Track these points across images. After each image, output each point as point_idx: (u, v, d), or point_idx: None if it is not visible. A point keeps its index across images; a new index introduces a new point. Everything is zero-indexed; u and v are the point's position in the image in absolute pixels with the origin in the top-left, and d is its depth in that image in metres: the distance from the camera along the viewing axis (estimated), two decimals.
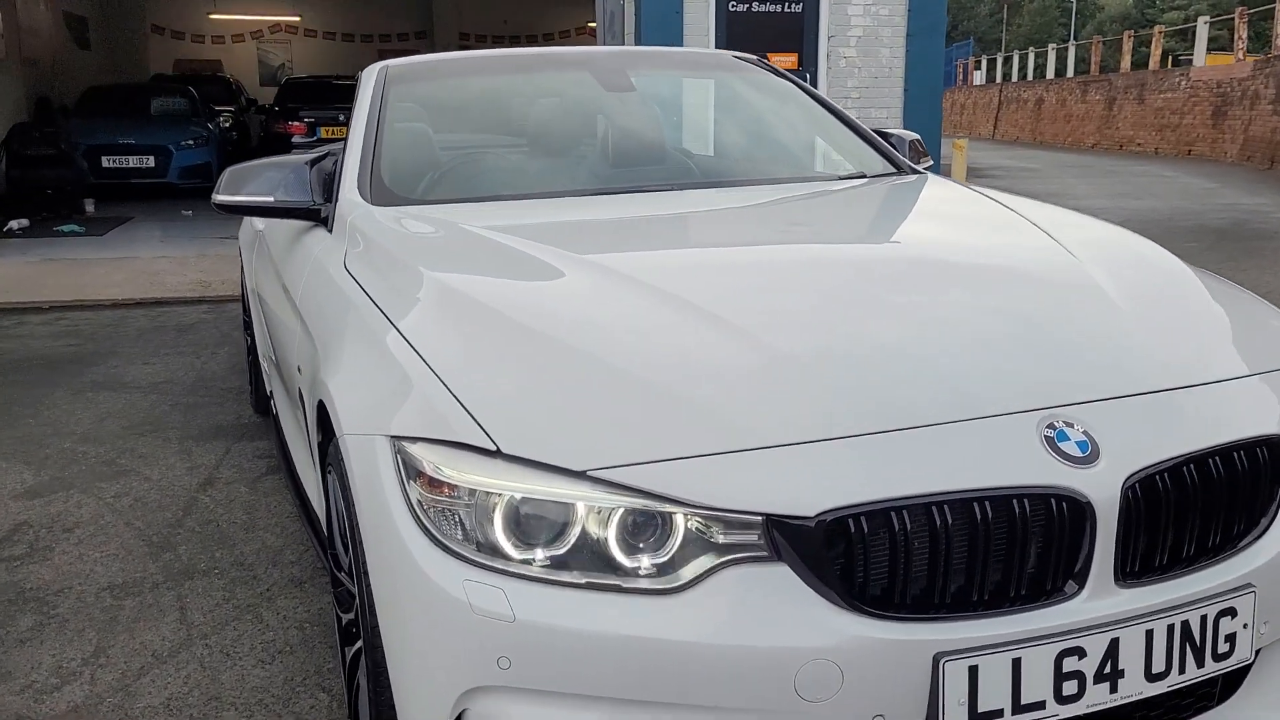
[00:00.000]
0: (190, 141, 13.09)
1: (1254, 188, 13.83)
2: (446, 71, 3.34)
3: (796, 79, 3.44)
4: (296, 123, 13.81)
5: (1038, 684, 1.51)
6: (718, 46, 8.82)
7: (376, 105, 2.93)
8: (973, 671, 1.48)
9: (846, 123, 3.29)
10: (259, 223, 3.66)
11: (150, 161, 12.60)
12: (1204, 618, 1.60)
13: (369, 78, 3.10)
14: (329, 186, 2.77)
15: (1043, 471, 1.53)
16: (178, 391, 4.98)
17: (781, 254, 2.33)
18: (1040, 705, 1.52)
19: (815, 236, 2.49)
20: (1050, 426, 1.59)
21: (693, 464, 1.52)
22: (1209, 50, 24.94)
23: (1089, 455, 1.56)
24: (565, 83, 3.33)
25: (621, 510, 1.52)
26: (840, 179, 2.99)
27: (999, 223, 2.50)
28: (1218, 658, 1.63)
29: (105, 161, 12.51)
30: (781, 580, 1.49)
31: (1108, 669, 1.55)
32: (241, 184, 2.76)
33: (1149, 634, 1.56)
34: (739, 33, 8.87)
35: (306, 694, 2.42)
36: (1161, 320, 1.92)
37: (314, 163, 2.81)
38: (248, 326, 4.73)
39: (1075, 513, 1.53)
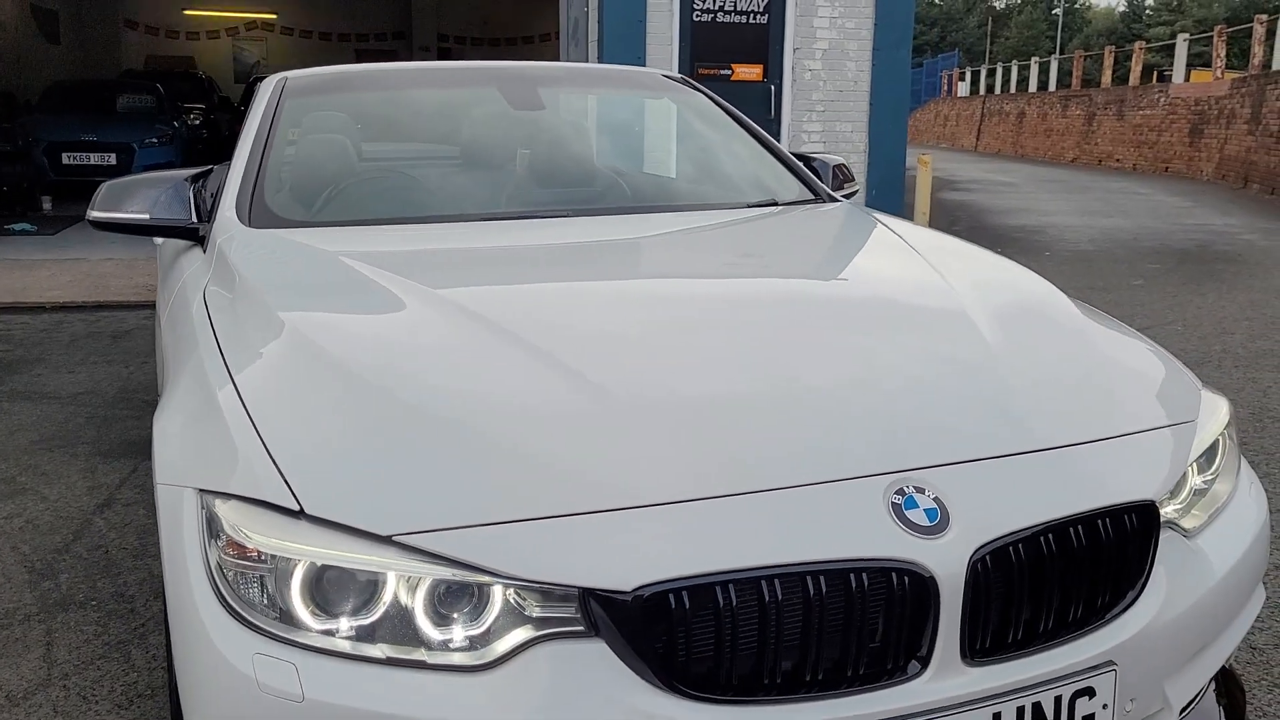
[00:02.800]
0: (154, 139, 12.91)
1: (1226, 208, 13.80)
2: (348, 85, 3.21)
3: (721, 100, 3.33)
4: None
5: None
6: (681, 56, 8.72)
7: (268, 120, 2.81)
8: None
9: (768, 147, 3.18)
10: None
11: (112, 159, 12.41)
12: (1058, 699, 1.50)
13: (265, 90, 2.97)
14: (212, 204, 2.65)
15: (886, 543, 1.42)
16: (98, 403, 4.83)
17: (645, 291, 2.21)
18: None
19: (690, 272, 2.37)
20: (899, 492, 1.48)
21: (507, 530, 1.40)
22: (1193, 66, 24.99)
23: (937, 524, 1.45)
24: (471, 100, 3.21)
25: (430, 580, 1.41)
26: (748, 207, 2.88)
27: (890, 262, 2.39)
28: None
29: (66, 158, 12.32)
30: (598, 659, 1.38)
31: None
32: (119, 200, 2.63)
33: (995, 717, 1.46)
34: (703, 42, 8.78)
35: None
36: (1036, 373, 1.81)
37: (197, 178, 2.69)
38: None
39: (918, 587, 1.42)
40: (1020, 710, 1.47)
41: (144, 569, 3.13)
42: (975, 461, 1.55)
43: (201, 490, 1.56)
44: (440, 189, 2.89)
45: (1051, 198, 15.56)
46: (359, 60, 21.56)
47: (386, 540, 1.41)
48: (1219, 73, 21.57)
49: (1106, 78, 26.68)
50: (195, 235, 2.61)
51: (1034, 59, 33.00)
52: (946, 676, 1.44)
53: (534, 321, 1.91)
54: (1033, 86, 30.70)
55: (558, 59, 23.05)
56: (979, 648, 1.47)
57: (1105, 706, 1.53)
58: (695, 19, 8.75)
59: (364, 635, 1.41)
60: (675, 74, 3.44)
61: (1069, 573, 1.52)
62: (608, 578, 1.37)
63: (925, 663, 1.44)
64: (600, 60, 8.62)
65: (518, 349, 1.78)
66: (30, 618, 2.85)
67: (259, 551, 1.45)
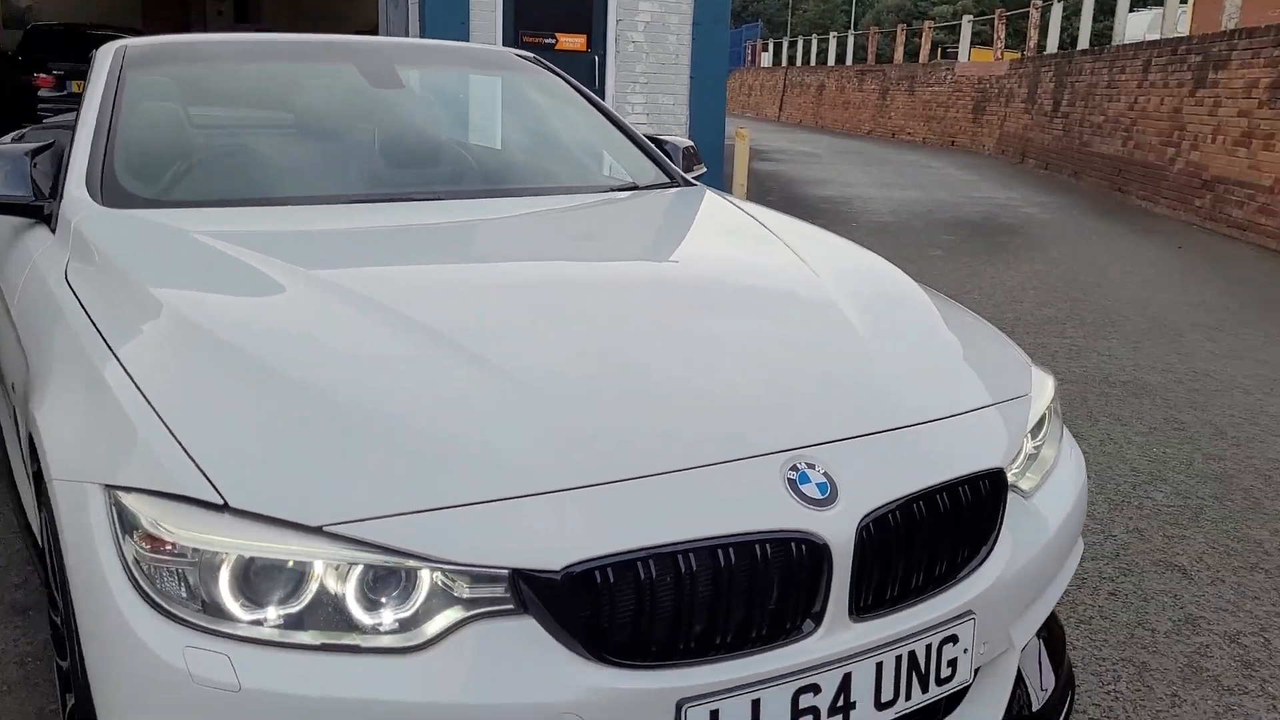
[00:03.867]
0: None
1: (1007, 181, 14.85)
2: (195, 56, 3.08)
3: (575, 82, 3.40)
4: (44, 75, 12.65)
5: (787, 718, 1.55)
6: (505, 25, 8.68)
7: (111, 91, 2.69)
8: (714, 715, 1.50)
9: (623, 129, 3.28)
10: None
11: None
12: (929, 646, 1.69)
13: (104, 58, 2.83)
14: (55, 180, 2.53)
15: (784, 515, 1.56)
16: None
17: (530, 275, 2.28)
18: None
19: (568, 256, 2.45)
20: (794, 468, 1.62)
21: (436, 517, 1.47)
22: (977, 44, 26.52)
23: (828, 497, 1.61)
24: (327, 76, 3.15)
25: (361, 567, 1.46)
26: (611, 190, 2.97)
27: (755, 248, 2.54)
28: (941, 682, 1.72)
29: None
30: (527, 634, 1.46)
31: (840, 702, 1.60)
32: None
33: (879, 666, 1.63)
34: (527, 11, 8.76)
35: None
36: (900, 356, 2.00)
37: (36, 152, 2.55)
38: None
39: (813, 554, 1.57)
40: (899, 659, 1.65)
41: None
42: (858, 438, 1.72)
43: (109, 486, 1.54)
44: (304, 170, 2.83)
45: (852, 169, 16.32)
46: (145, 9, 20.25)
47: (317, 531, 1.44)
48: (999, 54, 23.05)
49: (898, 54, 28.04)
50: (39, 213, 2.49)
51: (832, 34, 34.26)
52: (836, 633, 1.60)
53: (424, 307, 1.95)
54: (831, 60, 31.89)
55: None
56: (863, 605, 1.63)
57: (965, 650, 1.74)
58: None
59: (295, 623, 1.45)
60: (528, 54, 3.48)
61: (936, 534, 1.71)
62: (537, 558, 1.45)
63: (819, 621, 1.59)
64: (423, 26, 8.48)
65: (414, 334, 1.83)
66: None
67: (179, 546, 1.46)
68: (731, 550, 1.52)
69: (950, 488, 1.73)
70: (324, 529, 1.44)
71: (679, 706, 1.48)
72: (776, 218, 2.78)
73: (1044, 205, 12.09)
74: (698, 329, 2.00)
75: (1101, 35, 21.73)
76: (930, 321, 2.20)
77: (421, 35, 8.69)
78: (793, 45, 36.96)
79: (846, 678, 1.60)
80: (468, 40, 8.59)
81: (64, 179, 2.49)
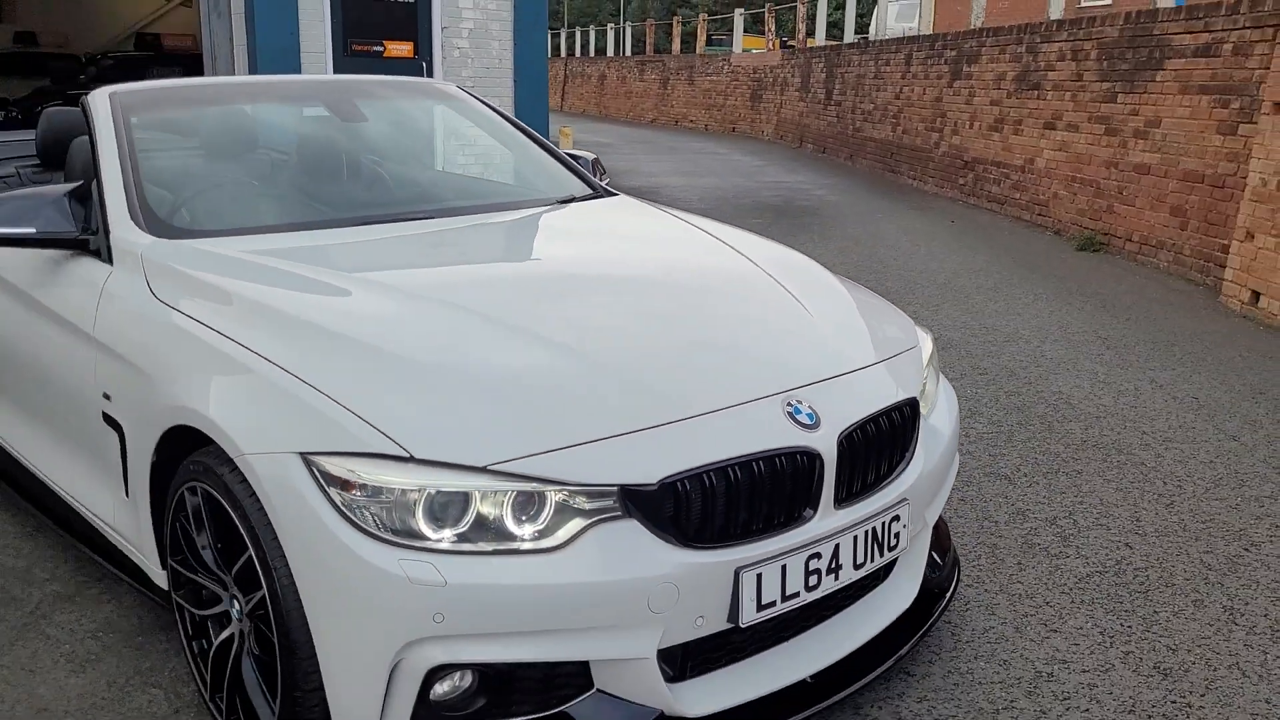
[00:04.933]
0: None
1: (792, 166, 16.10)
2: (183, 99, 3.45)
3: (496, 107, 3.94)
4: None
5: (795, 580, 2.22)
6: (335, 35, 8.94)
7: (123, 135, 3.04)
8: (758, 577, 2.16)
9: (544, 147, 3.85)
10: None
11: None
12: (884, 524, 2.40)
13: (100, 104, 3.16)
14: (87, 217, 2.88)
15: (791, 436, 2.23)
16: None
17: (547, 273, 2.87)
18: (797, 595, 2.23)
19: (565, 257, 3.05)
20: (789, 405, 2.30)
21: (565, 453, 2.05)
22: (747, 33, 28.06)
23: (815, 423, 2.29)
24: (302, 114, 3.58)
25: (514, 493, 2.02)
26: (559, 202, 3.54)
27: (700, 245, 3.19)
28: (890, 549, 2.44)
29: None
30: (633, 531, 2.07)
31: (833, 565, 2.29)
32: None
33: (855, 539, 2.33)
34: (354, 20, 9.05)
35: (138, 691, 2.62)
36: (834, 320, 2.72)
37: (70, 193, 2.91)
38: None
39: (811, 462, 2.25)
40: (866, 533, 2.35)
41: None
42: (825, 380, 2.41)
43: (305, 454, 2.04)
44: (304, 198, 3.27)
45: (649, 158, 17.21)
46: None
47: (482, 469, 2.01)
48: (771, 46, 24.55)
49: (675, 45, 29.27)
50: (84, 246, 2.85)
51: (610, 25, 35.20)
52: (827, 517, 2.29)
53: (472, 298, 2.52)
54: (610, 51, 32.84)
55: (144, 8, 21.20)
56: (841, 497, 2.33)
57: (905, 526, 2.46)
58: None
59: (470, 537, 2.00)
60: (454, 85, 3.98)
61: (880, 445, 2.42)
62: (637, 476, 2.06)
63: (815, 509, 2.27)
64: (251, 36, 8.64)
65: (474, 318, 2.40)
66: None
67: (378, 488, 1.98)
68: (760, 463, 2.18)
69: (887, 412, 2.45)
70: (488, 468, 2.01)
71: (736, 572, 2.13)
72: (694, 219, 3.44)
73: (831, 187, 13.32)
74: (690, 309, 2.65)
75: (860, 26, 23.59)
76: (840, 294, 2.93)
77: (249, 45, 8.84)
78: (570, 36, 37.70)
79: (836, 547, 2.29)
80: (298, 50, 8.82)
81: (103, 215, 2.85)
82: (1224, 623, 2.91)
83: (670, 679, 2.16)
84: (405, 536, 1.99)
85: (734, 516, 2.16)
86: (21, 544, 3.40)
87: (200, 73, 15.34)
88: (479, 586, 1.97)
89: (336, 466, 2.02)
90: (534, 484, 2.03)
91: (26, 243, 2.82)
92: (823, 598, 2.31)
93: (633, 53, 31.71)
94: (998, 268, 8.20)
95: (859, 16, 20.62)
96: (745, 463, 2.16)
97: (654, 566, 2.07)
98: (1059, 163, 9.87)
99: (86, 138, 3.56)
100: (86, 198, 2.95)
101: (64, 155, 4.13)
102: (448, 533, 2.00)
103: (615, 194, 3.72)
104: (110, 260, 2.78)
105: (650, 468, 2.08)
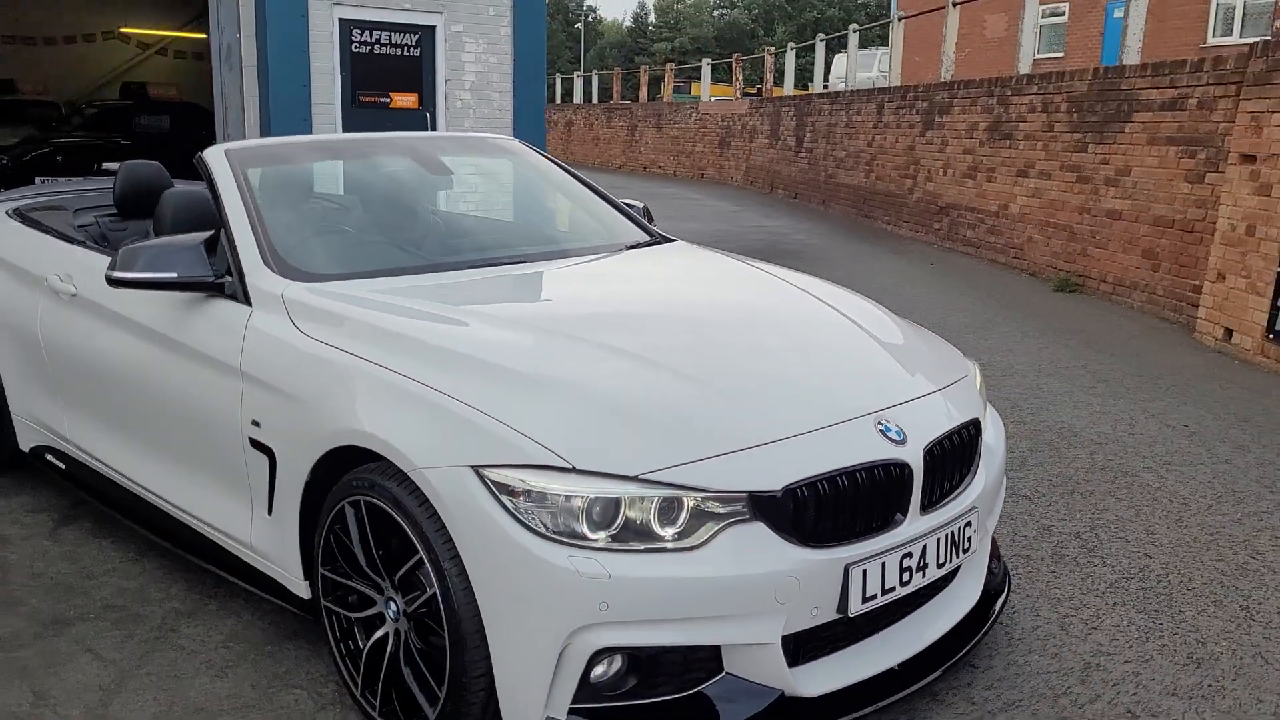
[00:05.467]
0: None
1: (768, 211, 16.60)
2: (287, 155, 3.76)
3: (558, 160, 4.28)
4: None
5: (892, 577, 2.55)
6: (343, 85, 9.26)
7: (244, 188, 3.33)
8: (864, 573, 2.48)
9: (604, 198, 4.19)
10: (78, 286, 3.73)
11: None
12: (959, 529, 2.74)
13: (217, 161, 3.44)
14: (219, 263, 3.16)
15: (885, 451, 2.56)
16: None
17: (641, 308, 3.19)
18: (893, 589, 2.55)
19: (652, 294, 3.37)
20: (879, 423, 2.63)
21: (702, 464, 2.37)
22: (698, 80, 28.81)
23: (903, 439, 2.62)
24: (395, 168, 3.89)
25: (659, 499, 2.33)
26: (628, 248, 3.86)
27: (771, 284, 3.53)
28: (964, 551, 2.77)
29: None
30: (759, 532, 2.38)
31: (921, 563, 2.62)
32: (136, 261, 3.08)
33: (938, 541, 2.66)
34: (362, 72, 9.37)
35: (281, 693, 2.88)
36: (901, 350, 3.07)
37: (205, 242, 3.19)
38: None
39: (903, 473, 2.58)
40: (946, 536, 2.68)
41: (109, 585, 3.48)
42: (905, 403, 2.74)
43: (476, 466, 2.34)
44: (413, 244, 3.58)
45: None
46: None
47: (633, 479, 2.32)
48: (738, 94, 25.21)
49: (643, 94, 29.91)
50: (219, 289, 3.13)
51: (576, 73, 35.83)
52: (915, 522, 2.62)
53: (587, 330, 2.83)
54: (577, 98, 33.42)
55: (117, 57, 21.33)
56: (925, 504, 2.66)
57: (974, 531, 2.80)
58: (354, 50, 9.32)
59: (622, 538, 2.31)
60: (516, 140, 4.32)
61: (953, 460, 2.76)
62: (763, 484, 2.38)
63: (906, 514, 2.60)
64: (266, 88, 8.94)
65: (594, 347, 2.72)
66: (41, 635, 3.17)
67: (544, 495, 2.28)
68: (862, 473, 2.51)
69: (958, 430, 2.79)
70: (638, 477, 2.32)
71: (846, 568, 2.45)
72: (754, 262, 3.79)
73: (810, 231, 13.79)
74: (778, 340, 2.99)
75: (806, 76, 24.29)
76: (901, 328, 3.28)
77: (260, 96, 9.13)
78: None
79: (924, 548, 2.62)
80: (309, 101, 9.13)
81: (236, 262, 3.13)
82: (1243, 620, 3.27)
83: (788, 664, 2.47)
84: (569, 536, 2.29)
85: (841, 520, 2.48)
86: (130, 567, 3.63)
87: (189, 121, 15.61)
88: (636, 579, 2.28)
89: (507, 477, 2.32)
90: (676, 490, 2.33)
91: (169, 286, 3.10)
92: (910, 594, 2.63)
93: (600, 100, 32.30)
94: (982, 307, 8.64)
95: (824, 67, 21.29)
96: (850, 473, 2.49)
97: (779, 563, 2.38)
98: (1033, 208, 10.40)
99: (176, 190, 3.87)
100: (214, 245, 3.23)
101: (142, 205, 4.42)
102: (603, 534, 2.31)
103: (673, 239, 4.06)
104: (248, 301, 3.06)
105: (774, 477, 2.40)
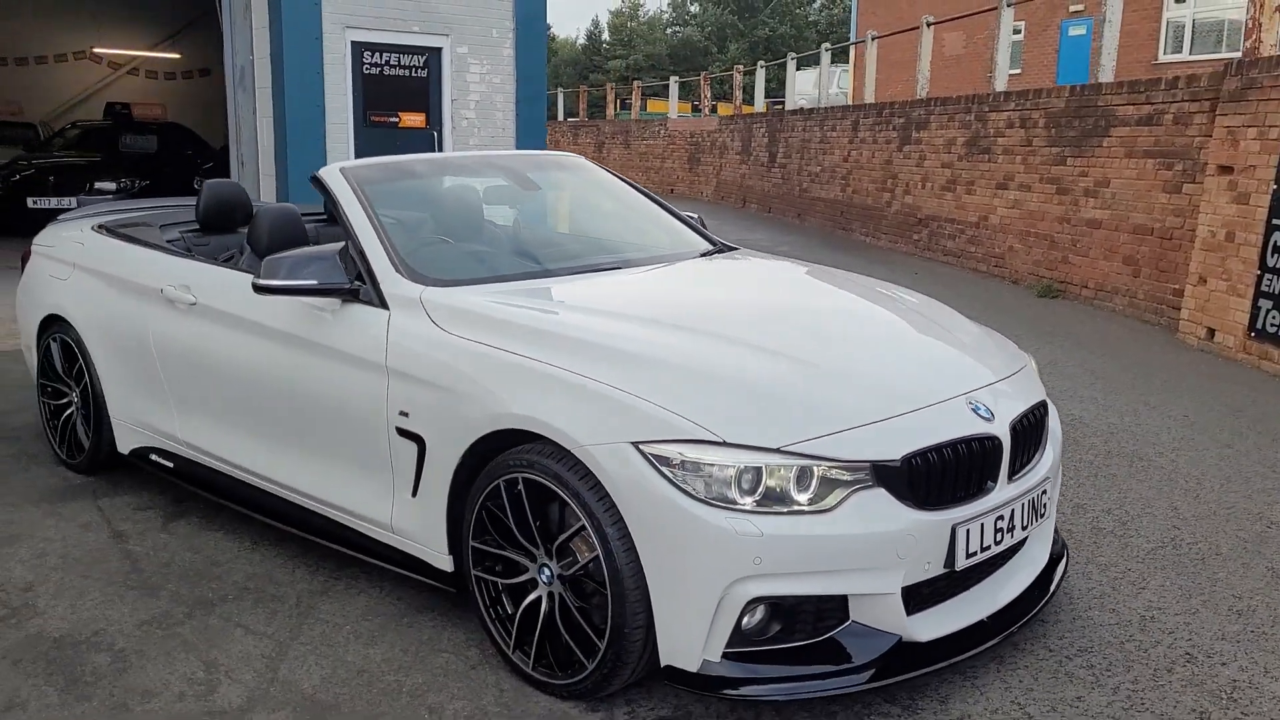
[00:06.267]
0: None
1: (745, 224, 17.03)
2: (395, 173, 4.08)
3: (622, 176, 4.63)
4: None
5: (988, 536, 2.92)
6: (355, 105, 9.55)
7: (365, 203, 3.64)
8: (967, 532, 2.85)
9: (666, 209, 4.55)
10: (197, 296, 4.00)
11: None
12: (1037, 496, 3.11)
13: (334, 178, 3.76)
14: (358, 271, 3.47)
15: (979, 426, 2.93)
16: None
17: (740, 304, 3.55)
18: (989, 547, 2.92)
19: (743, 293, 3.73)
20: (970, 403, 3.00)
21: (832, 437, 2.72)
22: (653, 98, 29.26)
23: (992, 416, 2.99)
24: (494, 183, 4.22)
25: (796, 468, 2.68)
26: (700, 255, 4.22)
27: (845, 284, 3.91)
28: (1040, 516, 3.15)
29: None
30: (881, 497, 2.73)
31: (1010, 525, 2.99)
32: (279, 271, 3.38)
33: (1022, 505, 3.04)
34: (374, 93, 9.67)
35: (431, 656, 3.17)
36: (973, 341, 3.46)
37: (339, 252, 3.50)
38: (44, 390, 4.89)
39: (994, 445, 2.95)
40: (1027, 502, 3.05)
41: (238, 571, 3.76)
42: (988, 385, 3.12)
43: (636, 443, 2.67)
44: (518, 253, 3.91)
45: None
46: None
47: (776, 450, 2.66)
48: (706, 111, 25.72)
49: (610, 111, 30.35)
50: (354, 295, 3.43)
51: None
52: (1004, 489, 2.99)
53: (706, 325, 3.17)
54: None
55: (89, 77, 21.35)
56: (1012, 474, 3.03)
57: (1050, 499, 3.18)
58: (365, 71, 9.62)
59: (767, 503, 2.65)
60: (581, 158, 4.66)
61: (1029, 436, 3.14)
62: (885, 453, 2.74)
63: (996, 482, 2.97)
64: (281, 109, 9.19)
65: (717, 339, 3.06)
66: (193, 614, 3.45)
67: (698, 465, 2.62)
68: (962, 445, 2.88)
69: (1032, 409, 3.18)
70: (780, 449, 2.67)
71: (953, 528, 2.82)
72: (819, 267, 4.16)
73: (792, 244, 14.23)
74: (870, 331, 3.36)
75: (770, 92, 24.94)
76: (966, 322, 3.67)
77: (275, 116, 9.39)
78: None
79: (1012, 512, 2.99)
80: (324, 121, 9.40)
81: (368, 270, 3.43)
82: (1271, 579, 3.68)
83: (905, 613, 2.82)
84: (722, 501, 2.63)
85: (946, 486, 2.85)
86: (250, 555, 3.91)
87: (175, 142, 15.73)
88: (782, 537, 2.62)
89: (665, 450, 2.66)
90: (810, 460, 2.68)
91: (310, 292, 3.40)
92: (998, 553, 3.00)
93: (564, 117, 32.69)
94: (971, 313, 9.03)
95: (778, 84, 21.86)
96: (953, 445, 2.86)
97: (899, 523, 2.74)
98: (1013, 219, 10.91)
99: (268, 207, 4.18)
100: (344, 256, 3.53)
101: (224, 221, 4.72)
102: (749, 499, 2.65)
103: (736, 248, 4.42)
104: (384, 305, 3.37)
105: (892, 448, 2.76)
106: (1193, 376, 6.74)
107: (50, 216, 5.54)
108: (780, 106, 22.34)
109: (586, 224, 4.43)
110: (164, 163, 15.05)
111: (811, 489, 2.69)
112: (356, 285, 3.44)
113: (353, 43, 9.53)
